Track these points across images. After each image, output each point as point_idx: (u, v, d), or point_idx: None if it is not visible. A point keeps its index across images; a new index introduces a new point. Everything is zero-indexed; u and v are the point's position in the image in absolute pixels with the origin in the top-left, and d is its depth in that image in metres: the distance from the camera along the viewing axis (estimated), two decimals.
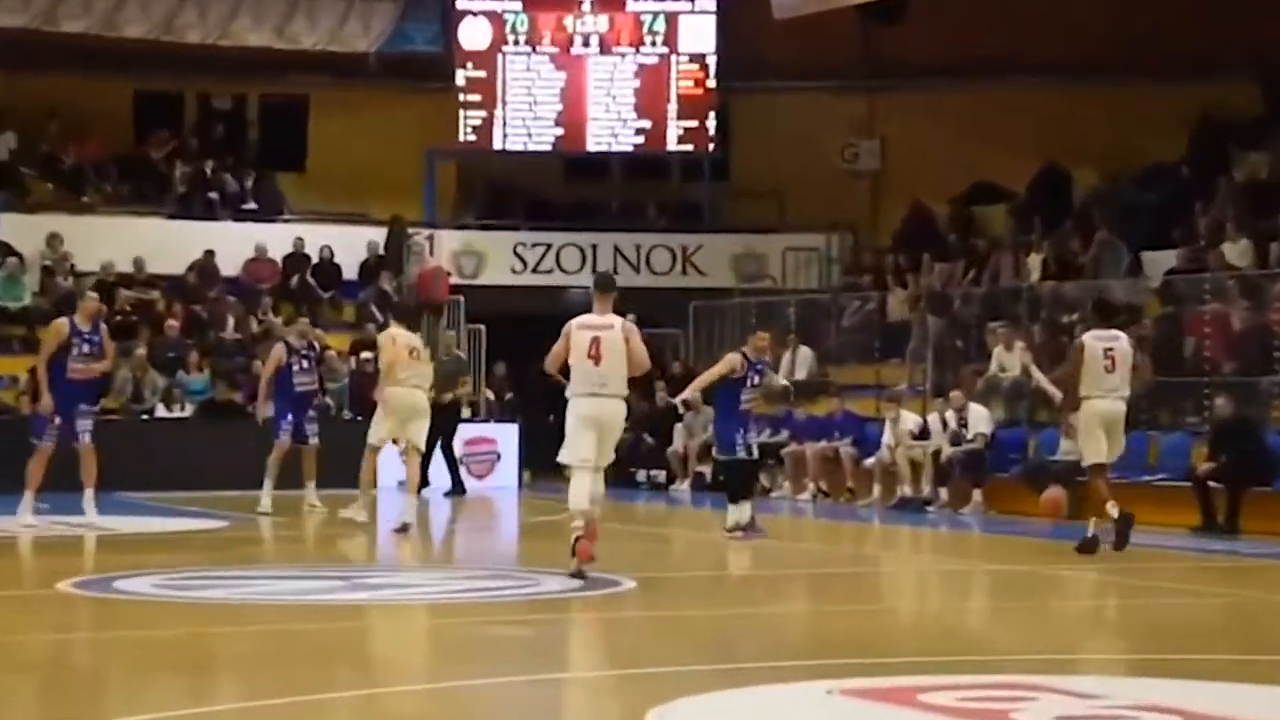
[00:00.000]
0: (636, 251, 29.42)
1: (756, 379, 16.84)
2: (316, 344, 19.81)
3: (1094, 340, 15.12)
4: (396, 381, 17.12)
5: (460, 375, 24.11)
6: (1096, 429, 15.01)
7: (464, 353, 25.72)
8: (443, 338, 24.75)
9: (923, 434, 21.83)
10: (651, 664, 9.49)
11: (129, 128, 29.40)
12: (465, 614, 11.68)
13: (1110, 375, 14.98)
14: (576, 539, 12.76)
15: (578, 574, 12.78)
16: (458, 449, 23.93)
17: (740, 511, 16.72)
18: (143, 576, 12.91)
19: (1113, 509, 14.82)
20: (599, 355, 13.01)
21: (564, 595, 12.32)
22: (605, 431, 13.05)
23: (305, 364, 19.15)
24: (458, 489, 23.43)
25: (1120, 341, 15.22)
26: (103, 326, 17.47)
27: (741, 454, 16.71)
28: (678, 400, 17.27)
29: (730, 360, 16.82)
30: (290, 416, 19.06)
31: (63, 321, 17.03)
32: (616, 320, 13.26)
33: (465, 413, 25.86)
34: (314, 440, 19.33)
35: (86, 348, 16.98)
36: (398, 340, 17.24)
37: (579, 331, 13.14)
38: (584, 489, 12.86)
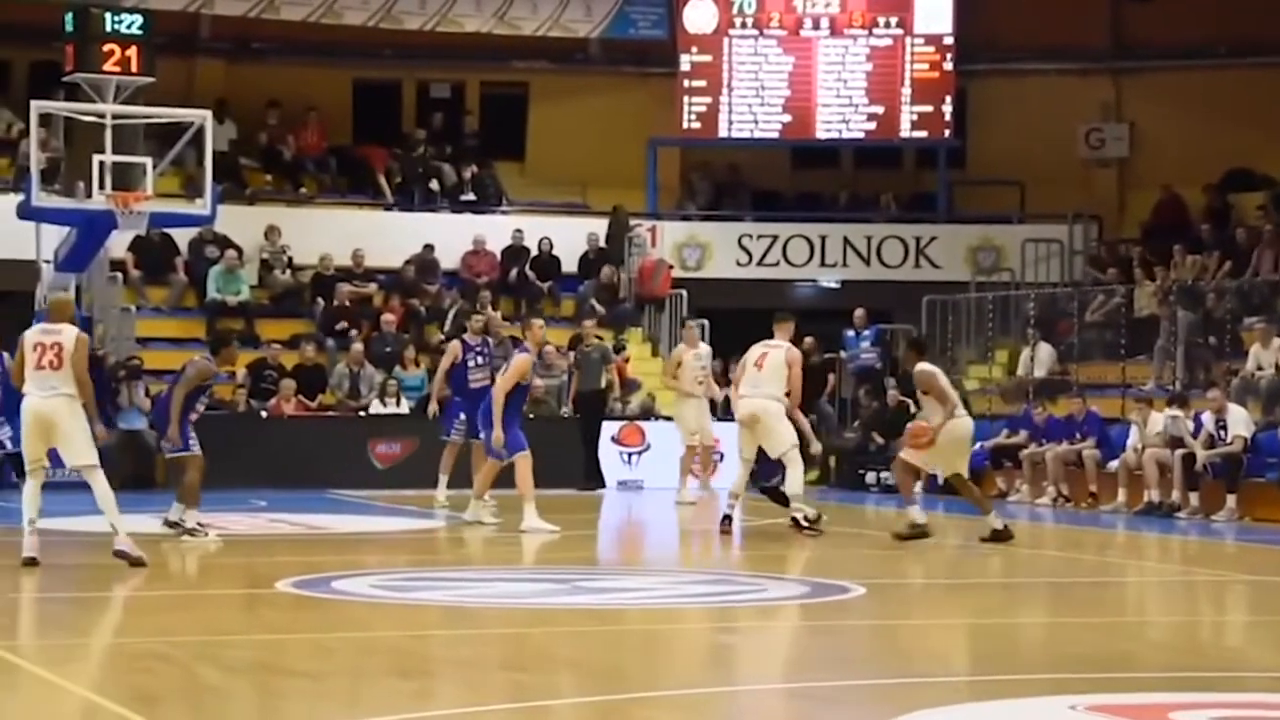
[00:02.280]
0: (867, 243, 28.65)
1: None
2: (492, 340, 19.79)
3: (928, 368, 16.35)
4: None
5: (605, 365, 23.64)
6: (967, 445, 16.59)
7: (609, 343, 25.17)
8: (583, 329, 24.19)
9: (1175, 436, 20.69)
10: (883, 675, 9.39)
11: (348, 117, 29.26)
12: (691, 619, 11.71)
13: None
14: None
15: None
16: (680, 447, 23.34)
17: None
18: (361, 576, 13.08)
19: (997, 521, 16.30)
20: (762, 365, 16.66)
21: (792, 601, 12.35)
22: (756, 424, 16.59)
23: (480, 360, 19.00)
24: (597, 482, 23.07)
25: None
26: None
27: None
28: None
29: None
30: (462, 414, 18.73)
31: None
32: (785, 344, 16.91)
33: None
34: None
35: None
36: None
37: (755, 348, 16.93)
38: (735, 477, 17.03)
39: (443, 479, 19.13)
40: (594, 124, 28.93)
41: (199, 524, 15.50)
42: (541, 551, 16.15)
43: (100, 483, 13.41)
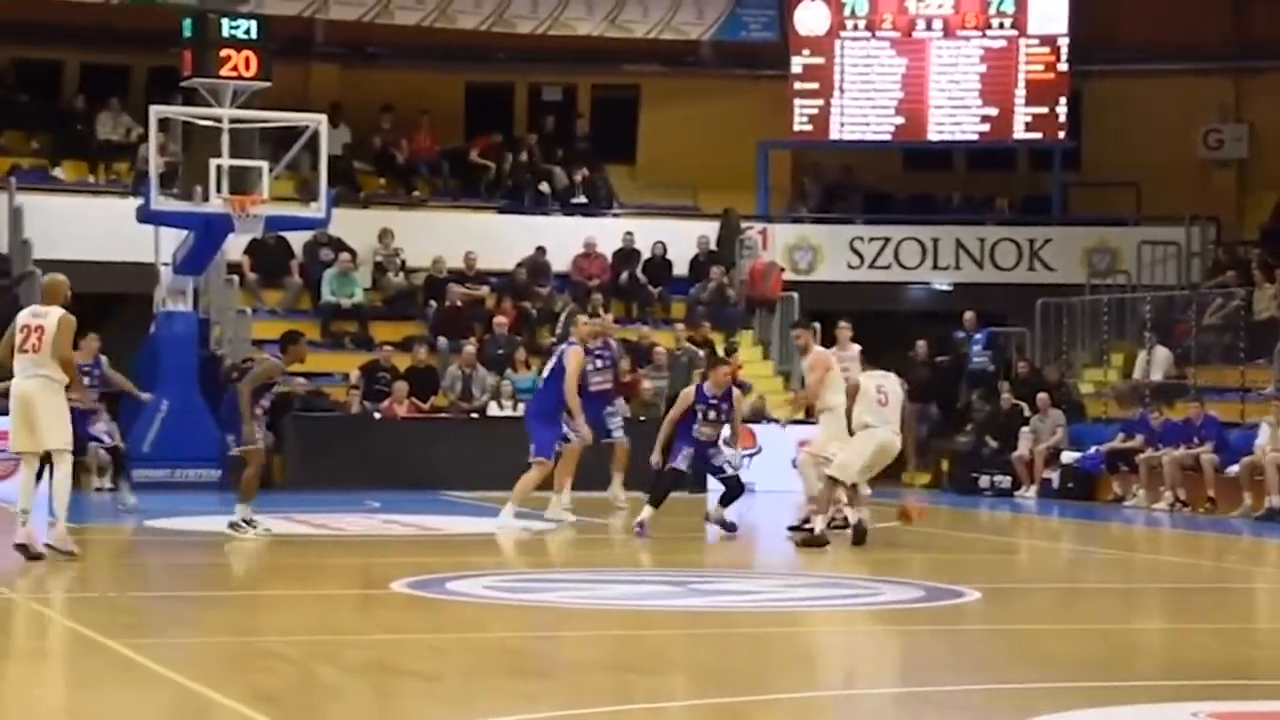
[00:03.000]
0: (980, 245, 28.44)
1: (711, 414, 16.91)
2: (613, 343, 19.90)
3: (867, 379, 16.48)
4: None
5: (693, 369, 23.64)
6: (870, 451, 16.04)
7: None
8: (676, 332, 24.16)
9: None
10: (1000, 680, 9.30)
11: (460, 121, 29.35)
12: (805, 623, 11.71)
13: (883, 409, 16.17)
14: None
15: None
16: (793, 449, 23.29)
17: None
18: (474, 578, 13.10)
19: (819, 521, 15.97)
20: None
21: (907, 605, 12.25)
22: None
23: (600, 364, 19.00)
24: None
25: (889, 380, 16.53)
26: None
27: (680, 466, 16.99)
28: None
29: (686, 396, 17.19)
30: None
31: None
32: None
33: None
34: (618, 434, 19.43)
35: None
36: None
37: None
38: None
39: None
40: (705, 127, 28.87)
41: (245, 520, 15.64)
42: (655, 554, 16.14)
43: (63, 470, 13.43)
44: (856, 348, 21.27)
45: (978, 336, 26.50)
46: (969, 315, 26.40)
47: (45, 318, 13.48)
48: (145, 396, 20.49)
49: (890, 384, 16.31)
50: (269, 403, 16.03)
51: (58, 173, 26.63)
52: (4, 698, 8.45)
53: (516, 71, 29.72)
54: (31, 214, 24.89)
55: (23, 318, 13.61)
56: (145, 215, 22.07)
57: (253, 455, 15.62)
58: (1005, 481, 24.12)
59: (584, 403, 18.74)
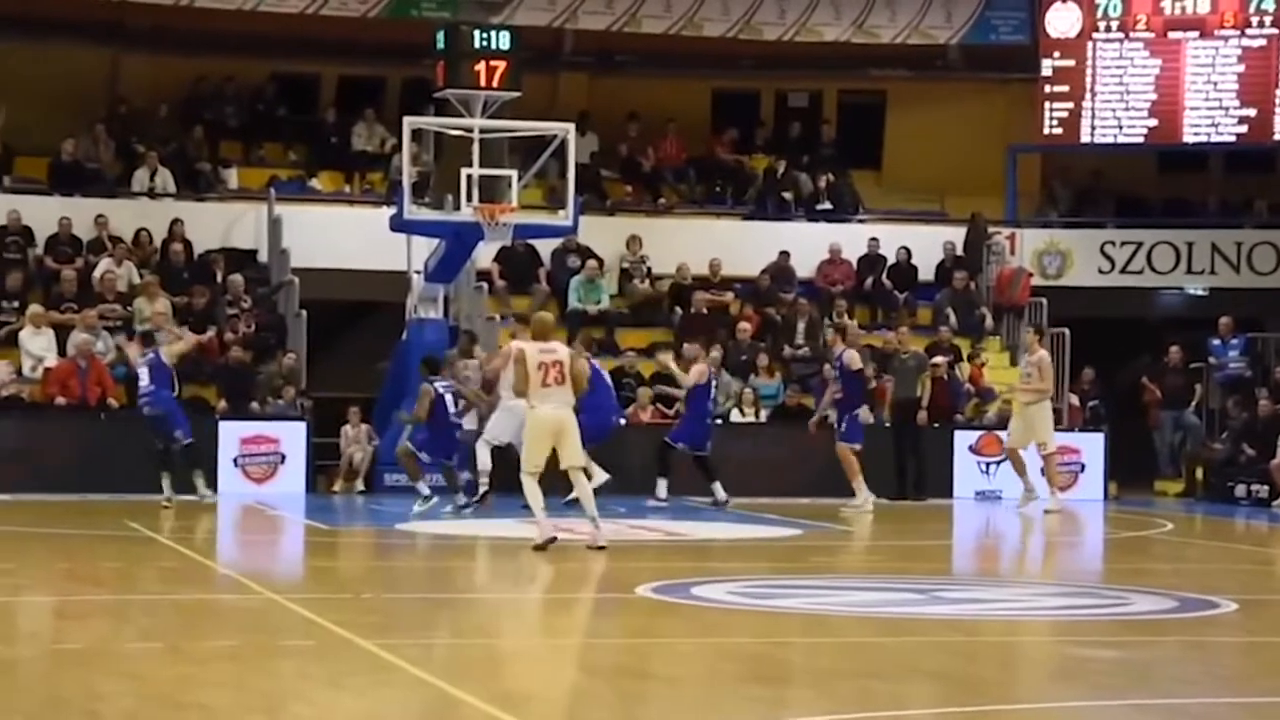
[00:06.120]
0: (1237, 250, 27.79)
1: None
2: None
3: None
4: None
5: (920, 374, 23.61)
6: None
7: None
8: (900, 335, 23.93)
9: None
10: (1256, 693, 9.17)
11: (706, 128, 29.39)
12: (1051, 632, 11.60)
13: None
14: None
15: None
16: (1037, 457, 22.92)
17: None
18: (719, 583, 13.16)
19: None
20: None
21: (1158, 616, 12.14)
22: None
23: None
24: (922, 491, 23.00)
25: None
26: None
27: None
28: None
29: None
30: None
31: None
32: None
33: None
34: None
35: None
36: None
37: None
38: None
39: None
40: (952, 131, 28.56)
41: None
42: (898, 561, 16.02)
43: (582, 482, 15.11)
44: (1042, 352, 21.08)
45: (1233, 342, 25.87)
46: (1225, 321, 25.80)
47: (557, 353, 14.97)
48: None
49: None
50: None
51: (314, 183, 27.30)
52: (261, 694, 8.69)
53: (763, 78, 29.68)
54: (290, 224, 25.55)
55: (534, 355, 14.93)
56: (398, 224, 22.49)
57: None
58: (1263, 490, 23.50)
59: None
